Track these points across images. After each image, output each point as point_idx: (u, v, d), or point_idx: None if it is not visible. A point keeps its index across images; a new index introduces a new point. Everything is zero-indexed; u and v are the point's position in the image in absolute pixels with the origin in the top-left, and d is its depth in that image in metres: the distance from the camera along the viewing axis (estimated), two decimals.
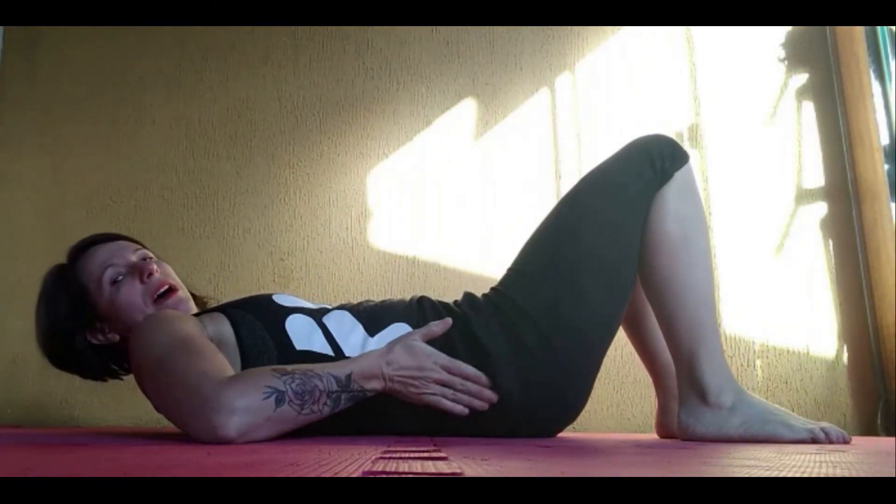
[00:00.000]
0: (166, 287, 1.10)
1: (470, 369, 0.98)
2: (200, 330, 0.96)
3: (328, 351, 1.02)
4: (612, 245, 1.07)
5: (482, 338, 1.03)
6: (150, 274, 1.08)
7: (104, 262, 1.09)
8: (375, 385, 0.92)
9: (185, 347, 0.88)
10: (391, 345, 0.96)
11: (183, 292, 1.12)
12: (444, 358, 0.97)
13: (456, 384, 0.97)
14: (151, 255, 1.16)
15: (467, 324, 1.06)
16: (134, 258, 1.11)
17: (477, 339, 1.04)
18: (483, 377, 0.99)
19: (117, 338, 1.10)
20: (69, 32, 2.24)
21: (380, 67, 2.08)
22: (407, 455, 0.58)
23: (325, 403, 0.86)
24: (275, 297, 1.09)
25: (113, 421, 1.92)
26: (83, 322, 1.09)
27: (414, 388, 0.95)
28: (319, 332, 1.04)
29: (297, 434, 0.87)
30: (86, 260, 1.10)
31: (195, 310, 1.14)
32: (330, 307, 1.12)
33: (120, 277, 1.08)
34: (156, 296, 1.08)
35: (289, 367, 0.86)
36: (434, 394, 0.96)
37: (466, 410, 0.98)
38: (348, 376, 0.89)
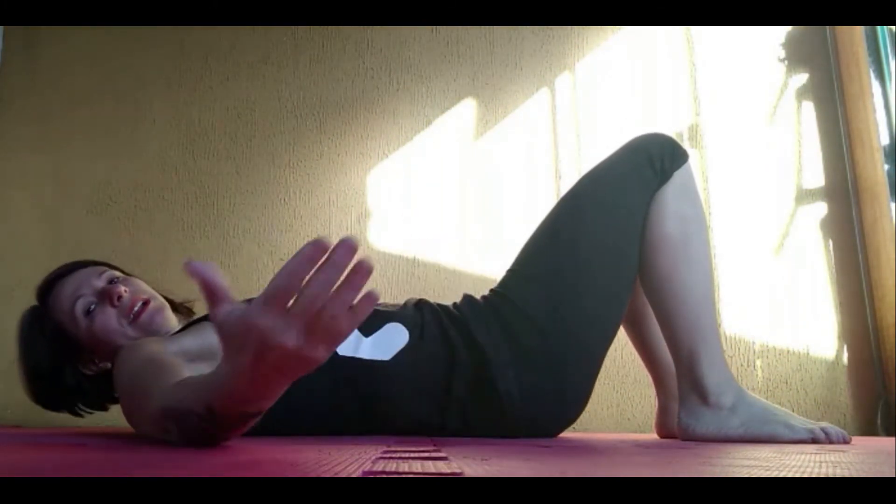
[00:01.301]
0: (139, 303, 1.06)
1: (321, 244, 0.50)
2: (159, 352, 0.91)
3: None
4: (611, 247, 1.07)
5: (481, 341, 1.03)
6: (119, 297, 1.05)
7: (72, 294, 1.06)
8: (255, 407, 0.60)
9: (133, 384, 0.85)
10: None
11: (157, 303, 1.09)
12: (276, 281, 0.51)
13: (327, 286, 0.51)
14: (118, 273, 1.12)
15: (466, 326, 1.05)
16: (101, 283, 1.07)
17: (476, 341, 1.04)
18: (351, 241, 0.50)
19: (109, 364, 1.08)
20: (69, 32, 2.24)
21: (380, 67, 2.08)
22: (407, 455, 0.58)
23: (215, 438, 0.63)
24: None
25: (113, 421, 1.92)
26: (69, 358, 1.07)
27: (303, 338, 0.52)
28: None
29: (297, 434, 0.87)
30: (55, 297, 1.08)
31: (173, 318, 1.11)
32: None
33: (92, 306, 1.05)
34: (131, 315, 1.06)
35: (179, 395, 0.65)
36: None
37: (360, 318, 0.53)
38: (209, 409, 0.59)
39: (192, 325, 1.06)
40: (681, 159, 1.09)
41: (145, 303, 1.07)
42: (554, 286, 1.06)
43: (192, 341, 0.99)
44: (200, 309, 1.13)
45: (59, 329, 1.07)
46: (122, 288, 1.06)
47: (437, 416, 1.04)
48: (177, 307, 1.17)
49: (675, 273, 1.06)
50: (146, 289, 1.11)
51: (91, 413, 1.14)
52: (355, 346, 1.03)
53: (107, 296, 1.05)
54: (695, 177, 1.13)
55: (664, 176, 1.08)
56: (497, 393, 1.02)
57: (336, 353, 1.02)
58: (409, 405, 1.03)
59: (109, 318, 1.05)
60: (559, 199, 1.17)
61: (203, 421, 0.60)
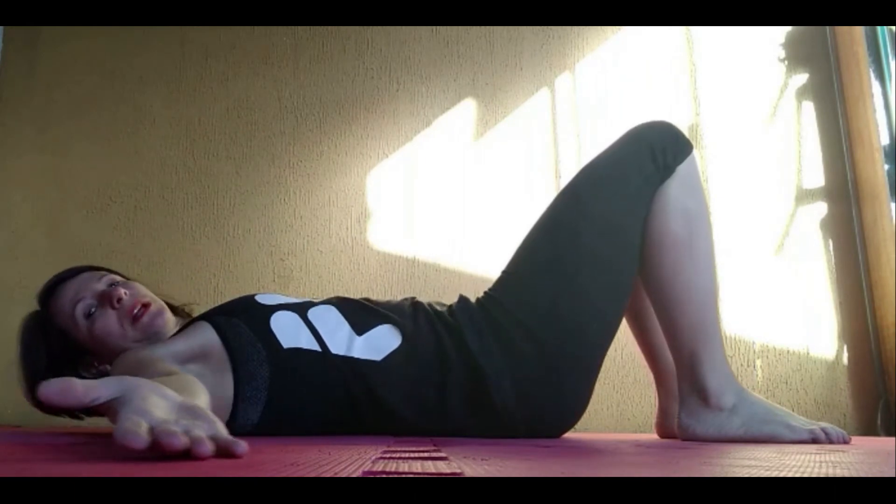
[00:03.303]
0: (139, 306, 1.06)
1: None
2: (149, 355, 0.92)
3: (315, 346, 1.02)
4: (611, 244, 1.05)
5: (475, 350, 1.02)
6: (120, 299, 1.05)
7: (73, 297, 1.07)
8: None
9: None
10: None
11: (156, 306, 1.09)
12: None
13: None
14: (118, 277, 1.12)
15: (461, 336, 1.04)
16: (101, 286, 1.08)
17: (471, 353, 1.02)
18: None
19: (108, 367, 1.07)
20: (69, 32, 2.24)
21: (380, 67, 2.08)
22: (407, 455, 0.58)
23: None
24: (257, 298, 1.09)
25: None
26: (70, 360, 1.07)
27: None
28: (305, 328, 1.04)
29: (297, 434, 0.87)
30: (55, 300, 1.08)
31: (173, 321, 1.11)
32: (315, 301, 1.11)
33: (92, 310, 1.06)
34: (132, 317, 1.05)
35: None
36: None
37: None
38: None
39: (185, 327, 1.06)
40: (684, 151, 1.06)
41: (145, 305, 1.07)
42: (552, 285, 1.05)
43: (182, 344, 0.99)
44: (199, 311, 1.14)
45: (60, 332, 1.07)
46: (123, 291, 1.06)
47: (432, 422, 1.04)
48: (176, 310, 1.17)
49: (679, 272, 1.04)
50: (146, 292, 1.11)
51: (90, 416, 1.13)
52: (348, 344, 1.03)
53: (107, 298, 1.06)
54: (698, 168, 1.09)
55: (667, 171, 1.04)
56: (493, 403, 1.02)
57: (329, 352, 1.02)
58: (403, 410, 1.03)
59: (110, 321, 1.05)
60: (557, 194, 1.15)
61: None
